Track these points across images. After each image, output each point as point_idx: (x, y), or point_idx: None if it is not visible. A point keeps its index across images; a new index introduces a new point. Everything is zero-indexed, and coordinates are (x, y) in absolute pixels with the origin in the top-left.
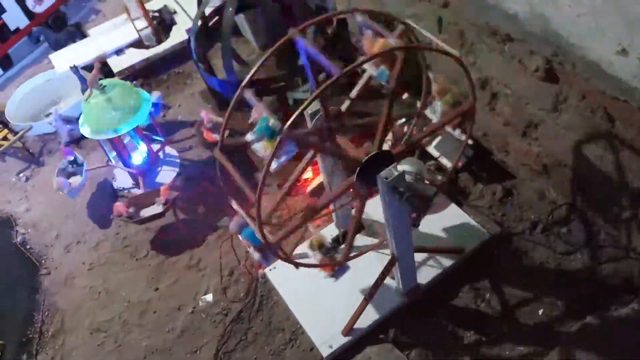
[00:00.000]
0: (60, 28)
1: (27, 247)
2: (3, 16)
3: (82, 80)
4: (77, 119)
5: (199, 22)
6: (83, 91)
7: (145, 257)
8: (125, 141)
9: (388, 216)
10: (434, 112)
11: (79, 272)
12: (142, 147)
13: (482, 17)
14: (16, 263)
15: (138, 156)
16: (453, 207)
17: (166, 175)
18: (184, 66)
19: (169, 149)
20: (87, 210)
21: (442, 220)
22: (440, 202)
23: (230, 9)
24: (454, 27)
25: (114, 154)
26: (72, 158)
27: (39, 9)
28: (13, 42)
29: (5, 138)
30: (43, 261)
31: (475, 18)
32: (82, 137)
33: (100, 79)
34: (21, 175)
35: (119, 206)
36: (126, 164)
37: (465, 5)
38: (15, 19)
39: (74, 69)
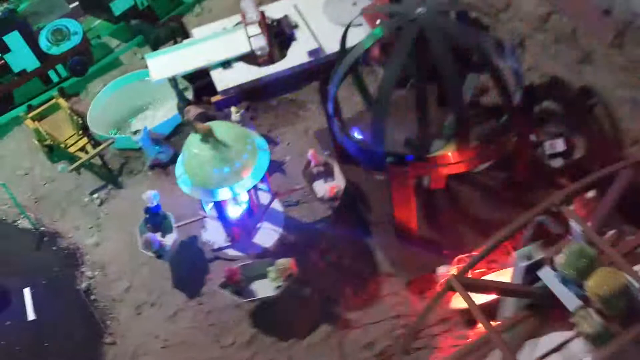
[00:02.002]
0: (81, 73)
1: (92, 297)
2: (7, 56)
3: (181, 98)
4: (168, 137)
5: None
6: (180, 109)
7: (232, 345)
8: None
9: None
10: None
11: (150, 348)
12: (243, 197)
13: None
14: (78, 318)
15: (236, 207)
16: None
17: (267, 235)
18: (299, 93)
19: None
20: (168, 262)
21: None
22: None
23: (395, 68)
24: None
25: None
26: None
27: (55, 51)
28: (16, 84)
29: (84, 149)
30: (109, 322)
31: None
32: (170, 162)
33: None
34: (95, 196)
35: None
36: (222, 216)
37: None
38: (23, 60)
39: (173, 82)
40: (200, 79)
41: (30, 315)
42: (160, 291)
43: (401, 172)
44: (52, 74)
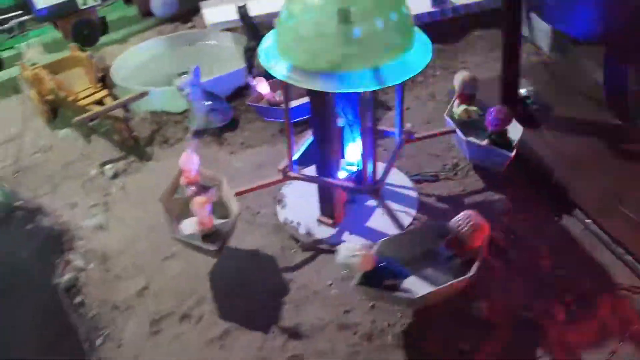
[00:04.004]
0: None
1: (78, 299)
2: None
3: (253, 34)
4: (225, 99)
5: None
6: (249, 52)
7: None
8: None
9: None
10: None
11: None
12: (354, 150)
13: None
14: (46, 330)
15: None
16: None
17: (389, 218)
18: None
19: (397, 173)
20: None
21: None
22: None
23: None
24: None
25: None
26: None
27: None
28: None
29: (101, 103)
30: (100, 340)
31: None
32: (224, 127)
33: None
34: (108, 167)
35: None
36: (331, 170)
37: None
38: None
39: (244, 10)
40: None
41: None
42: (197, 298)
43: None
44: None
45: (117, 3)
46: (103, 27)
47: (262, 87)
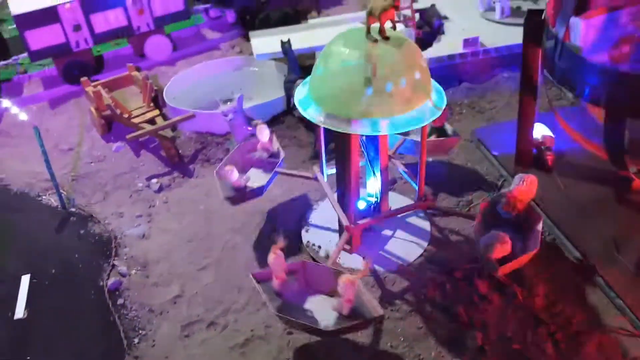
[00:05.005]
0: None
1: (120, 301)
2: None
3: (294, 64)
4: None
5: None
6: (289, 83)
7: None
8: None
9: None
10: None
11: None
12: (374, 184)
13: None
14: (91, 326)
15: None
16: None
17: (402, 247)
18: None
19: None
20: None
21: None
22: None
23: None
24: None
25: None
26: None
27: None
28: None
29: (152, 122)
30: (137, 339)
31: None
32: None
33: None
34: (154, 181)
35: None
36: (352, 201)
37: None
38: None
39: (287, 45)
40: None
41: (19, 312)
42: (225, 308)
43: None
44: None
45: (122, 42)
46: (98, 66)
47: (234, 175)
